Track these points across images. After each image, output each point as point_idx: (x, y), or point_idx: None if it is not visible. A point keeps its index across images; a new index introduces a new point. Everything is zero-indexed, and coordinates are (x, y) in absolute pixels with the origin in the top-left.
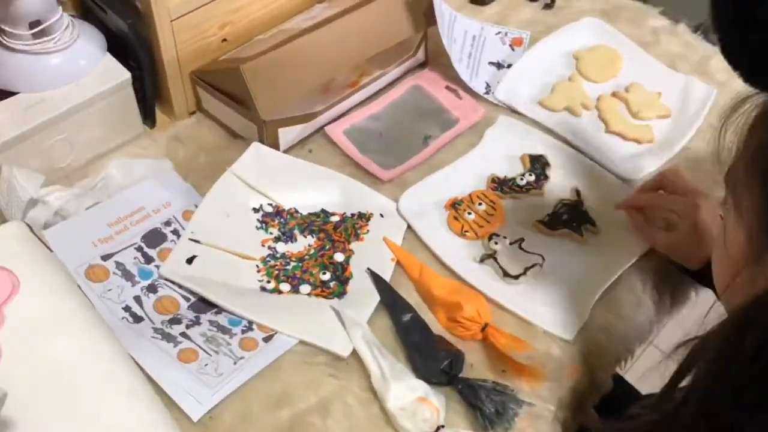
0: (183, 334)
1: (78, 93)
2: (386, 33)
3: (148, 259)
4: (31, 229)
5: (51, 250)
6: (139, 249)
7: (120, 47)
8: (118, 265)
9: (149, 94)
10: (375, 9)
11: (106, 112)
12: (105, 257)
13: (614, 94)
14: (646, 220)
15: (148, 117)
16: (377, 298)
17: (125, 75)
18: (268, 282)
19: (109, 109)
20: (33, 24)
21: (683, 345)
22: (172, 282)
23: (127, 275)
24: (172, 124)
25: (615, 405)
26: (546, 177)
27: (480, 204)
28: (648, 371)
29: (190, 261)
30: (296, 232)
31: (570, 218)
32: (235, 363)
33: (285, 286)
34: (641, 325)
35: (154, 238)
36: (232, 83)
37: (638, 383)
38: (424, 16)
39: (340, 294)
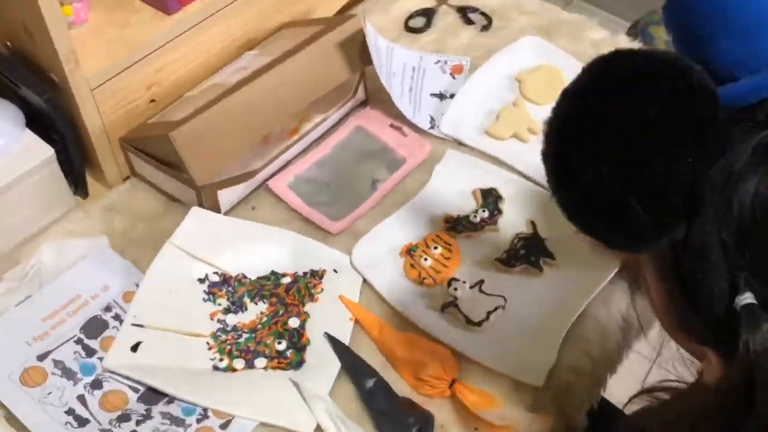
0: None
1: None
2: (323, 78)
3: (90, 352)
4: None
5: None
6: (79, 341)
7: (40, 120)
8: (57, 363)
9: (77, 165)
10: (308, 54)
11: (32, 192)
12: (41, 357)
13: None
14: None
15: (79, 188)
16: (338, 364)
17: (48, 151)
18: (221, 360)
19: (35, 187)
20: None
21: (642, 394)
22: (118, 374)
23: (68, 373)
24: (106, 192)
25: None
26: (499, 211)
27: (435, 248)
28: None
29: (135, 348)
30: (246, 299)
31: (527, 252)
32: None
33: (239, 363)
34: (611, 355)
35: (95, 327)
36: (164, 149)
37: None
38: (359, 54)
39: (298, 363)
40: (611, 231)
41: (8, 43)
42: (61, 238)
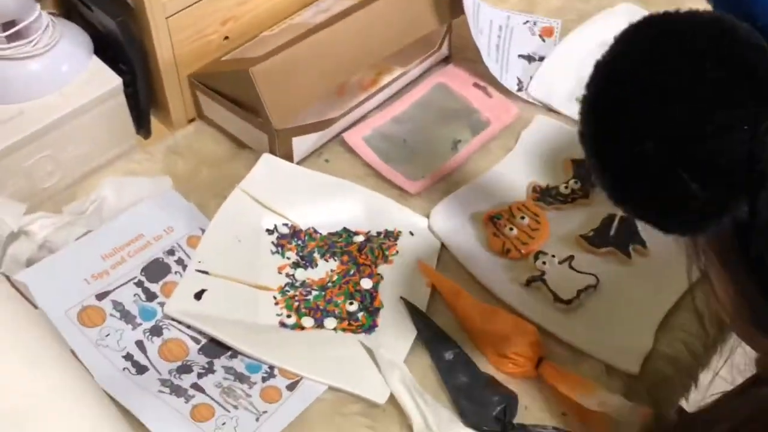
0: (195, 386)
1: (62, 103)
2: (408, 26)
3: (151, 296)
4: (11, 283)
5: (36, 307)
6: (140, 284)
7: (109, 49)
8: (116, 304)
9: (143, 100)
10: (395, 0)
11: (95, 124)
12: (100, 296)
13: None
14: None
15: (143, 127)
16: (414, 332)
17: (115, 81)
18: (288, 316)
19: (98, 120)
20: (7, 25)
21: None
22: (179, 322)
23: (127, 316)
24: (169, 134)
25: None
26: (593, 184)
27: (522, 218)
28: None
29: (198, 296)
30: (316, 255)
31: (617, 234)
32: (257, 419)
33: (308, 321)
34: (708, 349)
35: (157, 270)
36: (239, 88)
37: None
38: (448, 5)
39: (370, 327)
40: (665, 213)
41: None
42: (121, 177)
